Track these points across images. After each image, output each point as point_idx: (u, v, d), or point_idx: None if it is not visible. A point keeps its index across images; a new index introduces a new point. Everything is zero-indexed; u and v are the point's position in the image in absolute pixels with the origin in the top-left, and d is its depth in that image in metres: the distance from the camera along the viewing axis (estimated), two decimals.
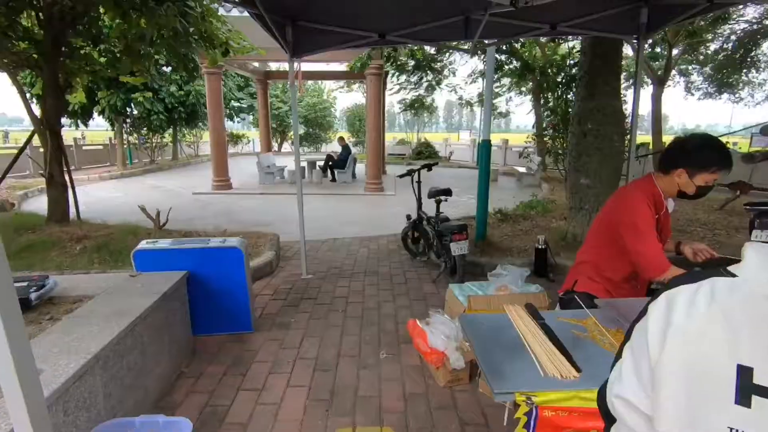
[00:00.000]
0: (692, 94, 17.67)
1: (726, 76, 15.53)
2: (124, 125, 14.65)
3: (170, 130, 16.80)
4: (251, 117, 23.11)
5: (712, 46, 14.58)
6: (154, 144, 16.39)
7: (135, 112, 14.11)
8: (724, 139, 3.01)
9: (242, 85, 19.91)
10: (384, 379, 2.42)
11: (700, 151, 1.74)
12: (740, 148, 18.39)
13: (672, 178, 1.79)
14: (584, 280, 2.05)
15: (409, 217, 4.71)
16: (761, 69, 15.34)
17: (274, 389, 2.32)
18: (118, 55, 5.77)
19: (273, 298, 3.57)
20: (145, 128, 15.03)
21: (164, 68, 13.56)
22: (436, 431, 2.00)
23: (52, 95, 5.11)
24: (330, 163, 11.68)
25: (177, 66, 5.92)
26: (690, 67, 16.42)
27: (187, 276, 2.64)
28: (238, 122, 25.93)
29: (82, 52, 5.81)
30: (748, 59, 14.37)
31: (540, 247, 4.00)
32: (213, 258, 2.73)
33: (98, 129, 24.03)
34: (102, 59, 6.23)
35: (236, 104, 20.89)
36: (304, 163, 12.30)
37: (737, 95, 17.45)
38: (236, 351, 2.70)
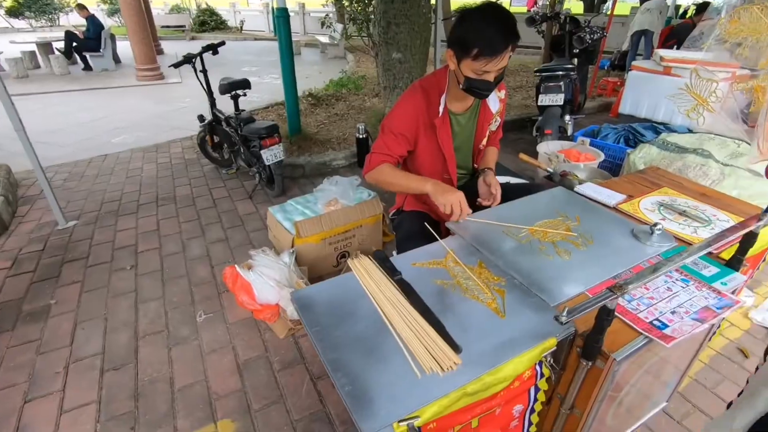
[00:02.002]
0: None
1: None
2: None
3: None
4: None
5: None
6: None
7: None
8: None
9: None
10: (207, 351, 1.89)
11: (460, 24, 1.34)
12: None
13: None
14: (410, 197, 1.78)
15: (201, 117, 3.69)
16: None
17: (38, 426, 1.58)
18: None
19: (12, 274, 2.42)
20: None
21: None
22: (286, 400, 1.67)
23: None
24: (74, 44, 8.51)
25: None
26: None
27: None
28: None
29: None
30: None
31: (361, 136, 3.67)
32: None
33: None
34: None
35: None
36: (32, 47, 8.73)
37: None
38: None
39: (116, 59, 9.08)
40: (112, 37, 8.86)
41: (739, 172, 2.39)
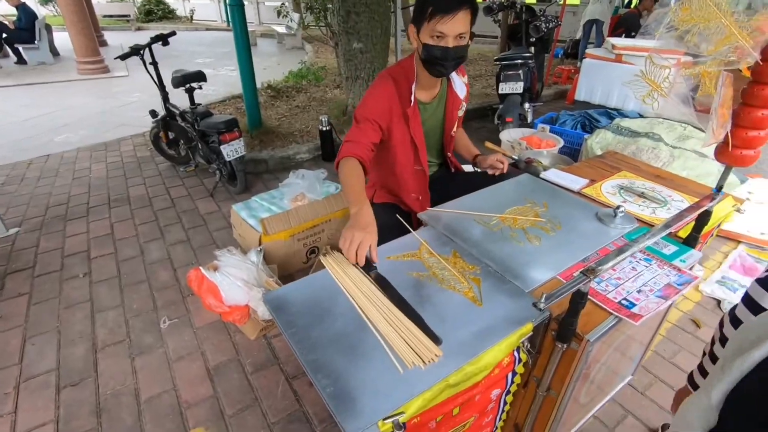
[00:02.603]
0: None
1: None
2: None
3: None
4: None
5: None
6: None
7: None
8: None
9: None
10: (175, 358, 1.81)
11: None
12: None
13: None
14: (380, 189, 1.76)
15: (154, 113, 3.49)
16: None
17: None
18: None
19: None
20: None
21: None
22: (261, 403, 1.62)
23: None
24: (4, 35, 7.82)
25: None
26: None
27: None
28: None
29: None
30: None
31: (324, 128, 3.60)
32: None
33: None
34: None
35: None
36: None
37: None
38: None
39: (54, 52, 8.43)
40: (48, 28, 8.20)
41: (687, 154, 2.54)
